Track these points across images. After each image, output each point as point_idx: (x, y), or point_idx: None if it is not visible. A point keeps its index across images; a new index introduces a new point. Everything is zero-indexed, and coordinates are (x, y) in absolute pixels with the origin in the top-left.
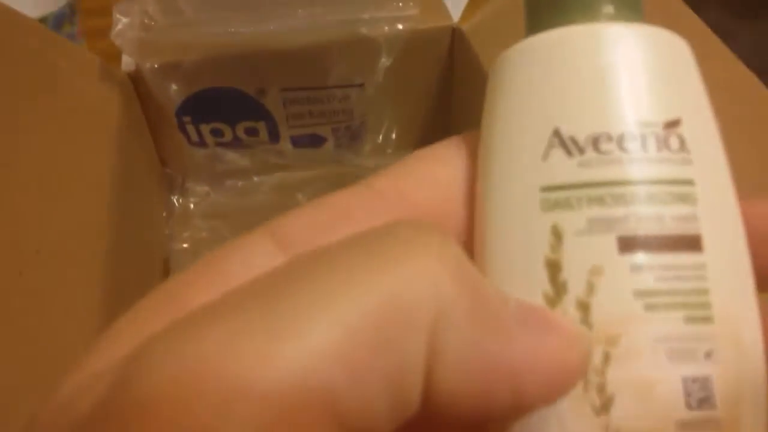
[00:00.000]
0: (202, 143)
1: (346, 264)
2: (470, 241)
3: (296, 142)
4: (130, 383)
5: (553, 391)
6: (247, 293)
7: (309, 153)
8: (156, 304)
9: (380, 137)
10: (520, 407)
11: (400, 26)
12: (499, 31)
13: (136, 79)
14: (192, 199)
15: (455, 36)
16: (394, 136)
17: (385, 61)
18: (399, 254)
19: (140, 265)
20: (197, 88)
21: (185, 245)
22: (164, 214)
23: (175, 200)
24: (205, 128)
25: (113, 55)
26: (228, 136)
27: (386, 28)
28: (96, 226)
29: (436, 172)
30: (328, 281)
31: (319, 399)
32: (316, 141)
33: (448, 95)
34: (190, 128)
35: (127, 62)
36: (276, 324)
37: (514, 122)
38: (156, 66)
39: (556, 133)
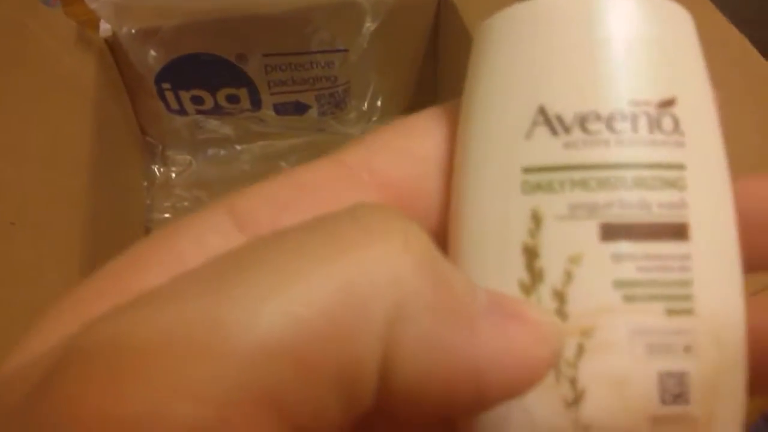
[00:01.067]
0: (182, 111)
1: (301, 251)
2: (445, 222)
3: (279, 109)
4: (64, 372)
5: (519, 386)
6: (195, 279)
7: (292, 121)
8: (102, 284)
9: (365, 104)
10: (484, 402)
11: None
12: None
13: (113, 45)
14: (173, 168)
15: (442, 1)
16: (379, 103)
17: (369, 26)
18: (357, 241)
19: (120, 236)
20: (176, 54)
21: (166, 215)
22: (145, 184)
23: (156, 169)
24: (185, 95)
25: (91, 21)
26: (209, 103)
27: None
28: (73, 197)
29: (411, 145)
30: (280, 270)
31: (264, 395)
32: (299, 108)
33: (435, 62)
34: (170, 95)
35: (105, 28)
36: (220, 316)
37: (496, 96)
38: (133, 31)
39: (541, 111)
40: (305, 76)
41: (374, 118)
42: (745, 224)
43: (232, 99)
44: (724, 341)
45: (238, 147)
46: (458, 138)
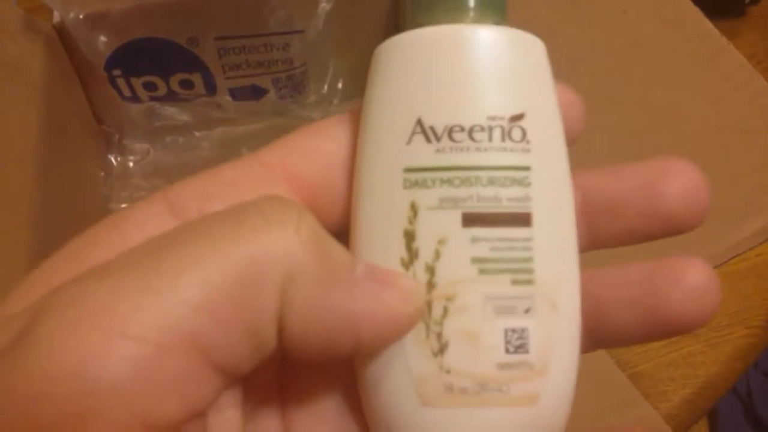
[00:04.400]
0: (135, 98)
1: (215, 233)
2: (348, 209)
3: (235, 94)
4: (29, 330)
5: (389, 336)
6: (135, 256)
7: (250, 105)
8: (63, 261)
9: (325, 87)
10: (360, 350)
11: None
12: None
13: (62, 31)
14: (131, 158)
15: None
16: (340, 86)
17: (325, 6)
18: (259, 226)
19: (76, 226)
20: (126, 39)
21: (124, 205)
22: (102, 174)
23: (112, 159)
24: (137, 82)
25: (44, 8)
26: (162, 89)
27: None
28: (23, 191)
29: (319, 146)
30: (199, 247)
31: (188, 342)
32: (256, 93)
33: None
34: (121, 82)
35: (56, 14)
36: (152, 282)
37: (385, 109)
38: (81, 16)
39: (419, 122)
40: (261, 59)
41: (335, 101)
42: (589, 209)
43: (186, 84)
44: (558, 305)
45: (197, 134)
46: (357, 141)
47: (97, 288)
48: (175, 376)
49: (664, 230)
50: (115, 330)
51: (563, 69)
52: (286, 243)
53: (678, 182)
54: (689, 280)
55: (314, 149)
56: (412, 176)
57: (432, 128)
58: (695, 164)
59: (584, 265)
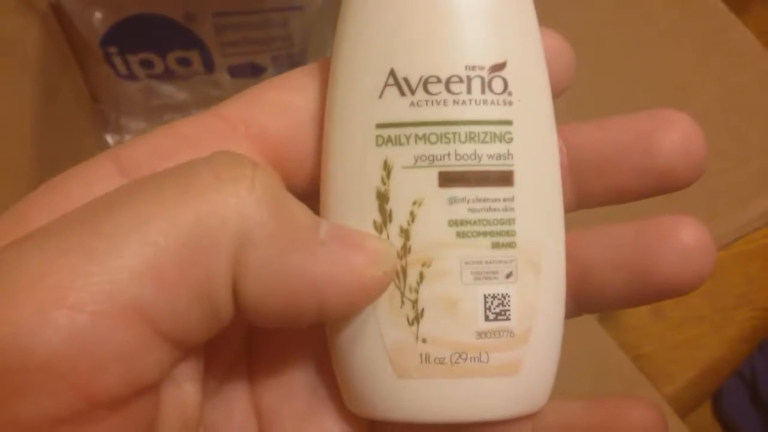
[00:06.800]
0: (131, 76)
1: (161, 192)
2: (318, 169)
3: (234, 72)
4: None
5: (357, 301)
6: (73, 218)
7: (249, 83)
8: (6, 224)
9: None
10: (326, 316)
11: None
12: None
13: (57, 8)
14: (128, 137)
15: None
16: None
17: None
18: (209, 184)
19: None
20: (121, 15)
21: None
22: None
23: (109, 138)
24: (133, 59)
25: None
26: (159, 67)
27: None
28: (19, 171)
29: (285, 98)
30: (143, 208)
31: (131, 310)
32: (255, 71)
33: None
34: (117, 60)
35: None
36: (91, 245)
37: (356, 59)
38: None
39: (392, 73)
40: (259, 36)
41: None
42: (576, 165)
43: (184, 62)
44: (542, 269)
45: (195, 112)
46: (327, 94)
47: (33, 254)
48: (116, 346)
49: (657, 187)
50: (51, 299)
51: None
52: (239, 201)
53: (673, 134)
54: (681, 239)
55: (280, 103)
56: (385, 132)
57: (406, 80)
58: (689, 115)
59: (570, 227)
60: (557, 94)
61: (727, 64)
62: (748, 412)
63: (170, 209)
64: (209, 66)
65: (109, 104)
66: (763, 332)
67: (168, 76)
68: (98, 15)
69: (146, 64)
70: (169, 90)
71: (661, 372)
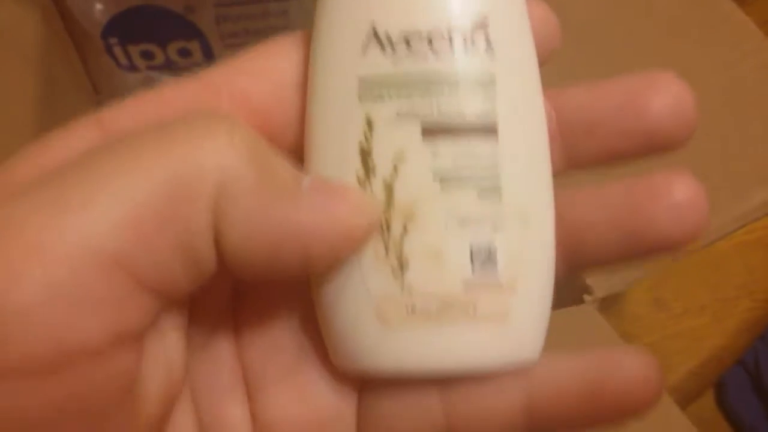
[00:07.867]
0: (132, 67)
1: (138, 147)
2: (302, 129)
3: None
4: None
5: (342, 250)
6: (52, 175)
7: None
8: None
9: None
10: (311, 266)
11: None
12: None
13: (58, 0)
14: None
15: None
16: None
17: None
18: (186, 139)
19: None
20: (122, 6)
21: None
22: None
23: None
24: (134, 50)
25: None
26: (159, 58)
27: None
28: None
29: (269, 64)
30: (120, 162)
31: (109, 261)
32: None
33: None
34: (118, 51)
35: None
36: (67, 198)
37: (339, 16)
38: None
39: (374, 29)
40: (259, 26)
41: None
42: (565, 127)
43: (184, 53)
44: (529, 220)
45: None
46: (310, 54)
47: (11, 210)
48: (95, 297)
49: (647, 148)
50: (27, 251)
51: (569, 35)
52: (217, 153)
53: (662, 95)
54: (674, 195)
55: (263, 68)
56: (368, 88)
57: (387, 35)
58: (678, 75)
59: (561, 188)
60: (543, 61)
61: (728, 54)
62: (751, 401)
63: (147, 162)
64: (209, 56)
65: (111, 95)
66: (764, 322)
67: (168, 66)
68: (99, 6)
69: (147, 56)
70: (169, 81)
71: (663, 362)
